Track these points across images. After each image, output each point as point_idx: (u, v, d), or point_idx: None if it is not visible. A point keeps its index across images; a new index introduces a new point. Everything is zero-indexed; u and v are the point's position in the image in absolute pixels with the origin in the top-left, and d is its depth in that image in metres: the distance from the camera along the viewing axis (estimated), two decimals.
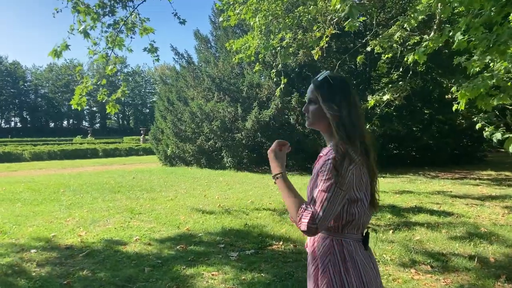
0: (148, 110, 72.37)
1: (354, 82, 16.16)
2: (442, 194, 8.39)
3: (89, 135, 42.99)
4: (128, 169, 15.04)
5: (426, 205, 7.03)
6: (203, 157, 14.98)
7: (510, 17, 5.67)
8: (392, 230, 5.30)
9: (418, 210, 6.58)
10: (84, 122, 72.30)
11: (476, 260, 4.01)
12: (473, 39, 5.23)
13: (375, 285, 1.53)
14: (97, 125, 71.95)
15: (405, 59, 11.19)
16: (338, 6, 4.08)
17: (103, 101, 6.07)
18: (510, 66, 5.20)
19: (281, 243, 4.83)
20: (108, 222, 6.06)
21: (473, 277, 3.59)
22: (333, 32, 6.33)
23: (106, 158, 22.54)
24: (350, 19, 5.91)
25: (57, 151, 22.34)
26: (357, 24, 5.72)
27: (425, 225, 5.58)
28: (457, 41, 5.20)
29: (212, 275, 3.82)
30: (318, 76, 1.63)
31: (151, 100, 71.81)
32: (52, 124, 71.17)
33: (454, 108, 5.63)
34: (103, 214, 6.56)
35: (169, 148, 15.98)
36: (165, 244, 4.86)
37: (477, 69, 6.00)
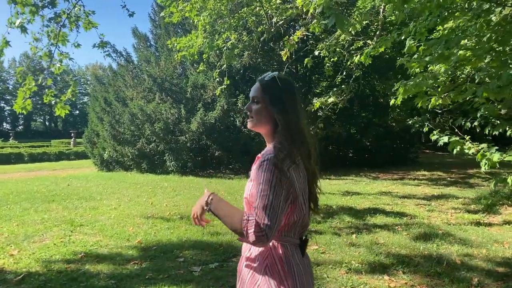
0: (78, 112, 68.01)
1: (297, 85, 16.24)
2: (390, 195, 8.60)
3: (11, 138, 39.30)
4: (61, 175, 13.82)
5: (379, 207, 7.12)
6: (144, 161, 14.20)
7: (438, 27, 5.91)
8: (354, 234, 5.22)
9: (374, 211, 6.62)
10: (5, 124, 66.09)
11: (444, 263, 4.01)
12: (422, 45, 5.38)
13: None
14: (20, 127, 66.10)
15: (348, 63, 11.46)
16: (319, 10, 3.91)
17: (53, 103, 5.42)
18: (448, 67, 5.44)
19: None
20: (45, 237, 5.36)
21: (447, 282, 3.55)
22: (304, 34, 6.20)
23: (33, 164, 20.68)
24: (315, 21, 5.81)
25: None
26: (322, 26, 5.64)
27: (385, 227, 5.59)
28: (408, 45, 5.31)
29: None
30: (264, 75, 1.57)
31: (81, 101, 67.61)
32: None
33: (391, 103, 5.84)
34: (37, 228, 5.81)
35: (106, 152, 14.97)
36: (116, 260, 4.34)
37: (418, 70, 6.25)
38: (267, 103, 1.51)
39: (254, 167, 1.44)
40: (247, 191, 1.48)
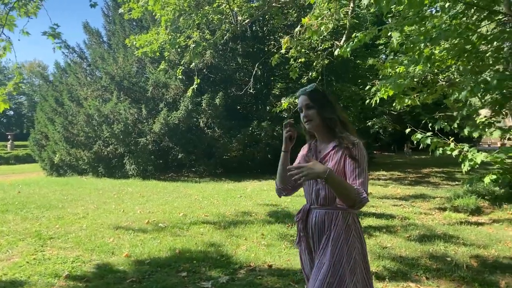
0: (13, 113, 63.03)
1: (258, 86, 16.04)
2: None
3: None
4: (5, 181, 12.52)
5: (364, 209, 7.04)
6: (100, 165, 13.26)
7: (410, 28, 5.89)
8: None
9: (363, 213, 6.51)
10: None
11: (464, 266, 3.92)
12: (406, 42, 5.35)
13: None
14: None
15: (314, 64, 11.35)
16: None
17: None
18: (425, 69, 5.48)
19: (252, 264, 4.18)
20: (12, 253, 4.65)
21: (477, 286, 3.45)
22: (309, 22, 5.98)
23: None
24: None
25: None
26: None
27: (382, 229, 5.47)
28: (394, 41, 5.23)
29: None
30: (305, 88, 1.98)
31: (16, 100, 62.77)
32: None
33: (366, 102, 5.88)
34: None
35: (57, 156, 13.82)
36: (108, 279, 3.80)
37: (389, 70, 6.25)
38: (318, 108, 1.91)
39: (331, 151, 1.89)
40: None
